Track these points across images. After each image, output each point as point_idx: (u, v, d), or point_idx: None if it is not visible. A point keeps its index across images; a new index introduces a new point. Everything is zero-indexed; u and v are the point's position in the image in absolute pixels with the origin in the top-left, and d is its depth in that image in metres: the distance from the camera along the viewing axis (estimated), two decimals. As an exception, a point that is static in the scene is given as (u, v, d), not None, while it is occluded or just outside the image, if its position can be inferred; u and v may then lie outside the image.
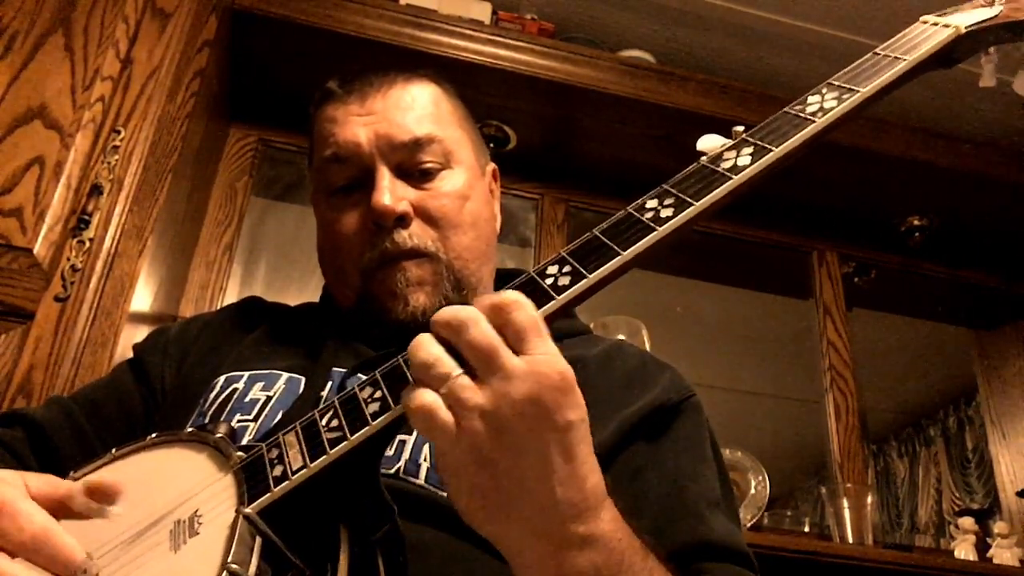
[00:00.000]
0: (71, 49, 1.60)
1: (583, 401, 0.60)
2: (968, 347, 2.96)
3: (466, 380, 0.58)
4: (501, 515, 0.61)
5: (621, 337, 2.20)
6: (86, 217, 1.48)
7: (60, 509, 0.64)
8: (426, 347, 0.60)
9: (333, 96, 1.05)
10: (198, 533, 0.63)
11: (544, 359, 0.58)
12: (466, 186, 1.03)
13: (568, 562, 0.61)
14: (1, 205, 1.45)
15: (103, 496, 0.64)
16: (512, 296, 0.60)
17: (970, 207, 2.51)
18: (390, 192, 0.97)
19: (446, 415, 0.58)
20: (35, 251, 1.44)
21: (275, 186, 2.41)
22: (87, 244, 1.47)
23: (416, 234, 0.97)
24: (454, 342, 0.59)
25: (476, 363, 0.58)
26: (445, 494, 0.80)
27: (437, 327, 0.61)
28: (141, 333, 1.53)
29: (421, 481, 0.81)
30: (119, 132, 1.56)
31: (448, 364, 0.59)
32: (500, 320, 0.59)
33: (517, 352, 0.58)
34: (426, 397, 0.58)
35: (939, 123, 2.59)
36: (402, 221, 0.97)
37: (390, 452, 0.81)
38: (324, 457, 0.63)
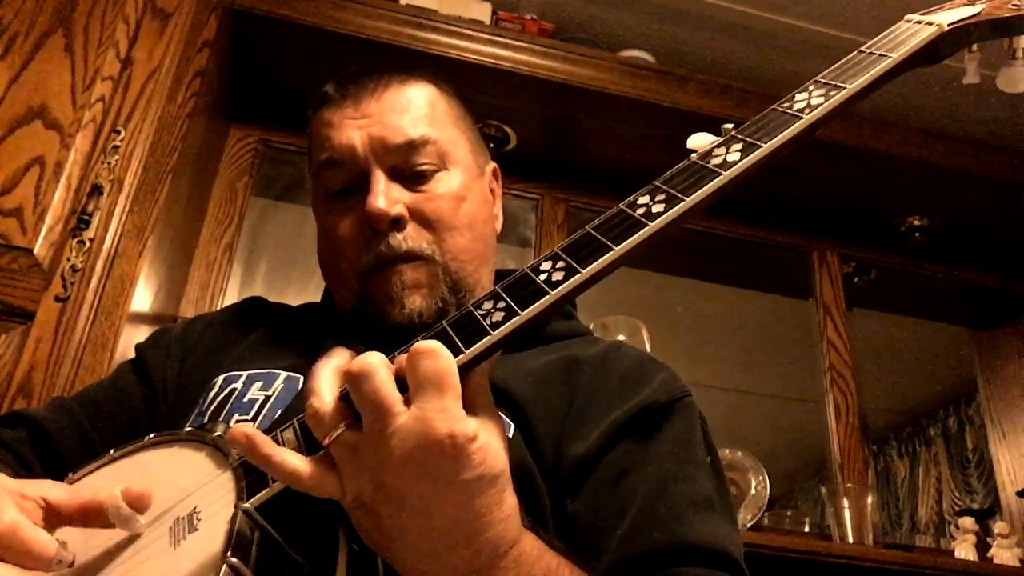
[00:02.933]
0: (71, 49, 1.60)
1: (481, 459, 0.59)
2: (968, 347, 2.96)
3: (349, 435, 0.60)
4: (394, 559, 0.63)
5: (621, 338, 2.20)
6: (86, 217, 1.48)
7: (85, 516, 0.65)
8: (319, 397, 0.62)
9: (329, 99, 1.05)
10: (197, 529, 0.63)
11: (432, 416, 0.58)
12: (462, 187, 1.02)
13: None
14: (1, 205, 1.45)
15: (138, 503, 0.65)
16: (427, 346, 0.61)
17: (970, 207, 2.51)
18: (384, 195, 0.96)
19: (330, 475, 0.61)
20: (35, 251, 1.44)
21: (275, 186, 2.41)
22: (87, 244, 1.47)
23: (411, 237, 0.97)
24: (352, 393, 0.61)
25: (365, 416, 0.60)
26: None
27: (345, 375, 0.62)
28: (141, 333, 1.53)
29: None
30: (119, 132, 1.56)
31: (333, 418, 0.61)
32: (408, 367, 0.60)
33: (411, 403, 0.59)
34: (296, 460, 0.61)
35: (939, 123, 2.59)
36: (397, 224, 0.96)
37: None
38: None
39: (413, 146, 1.00)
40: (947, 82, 2.43)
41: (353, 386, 0.60)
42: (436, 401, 0.59)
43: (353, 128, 1.00)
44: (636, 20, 2.48)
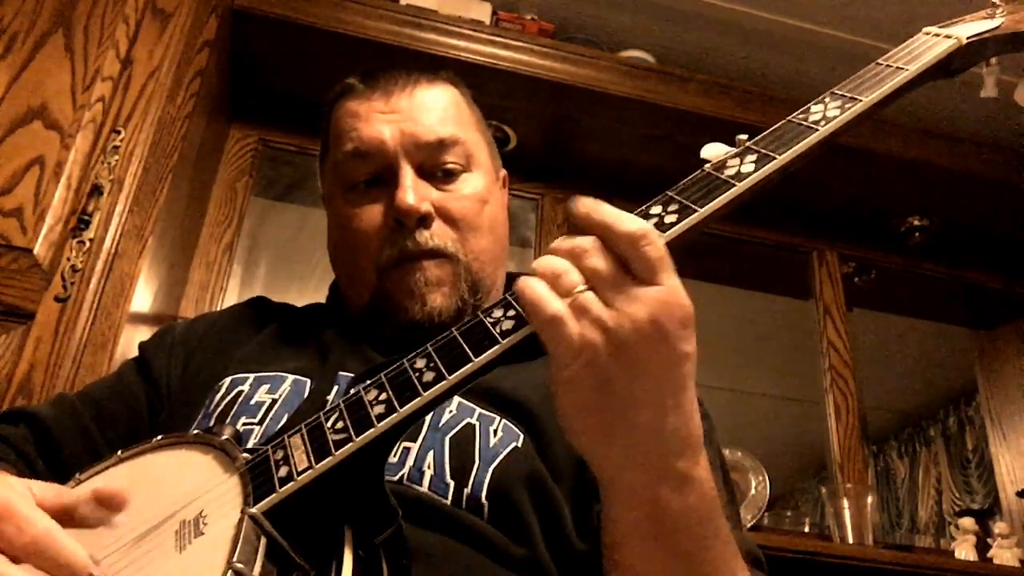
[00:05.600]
0: (71, 49, 1.60)
1: (694, 336, 0.61)
2: (968, 347, 2.96)
3: (592, 294, 0.59)
4: (607, 437, 0.61)
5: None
6: (86, 217, 1.48)
7: (66, 517, 0.64)
8: (554, 259, 0.61)
9: (355, 91, 1.05)
10: (203, 533, 0.63)
11: (671, 289, 0.59)
12: (485, 189, 1.03)
13: (664, 496, 0.61)
14: (1, 205, 1.45)
15: (109, 504, 0.64)
16: (645, 227, 0.61)
17: (970, 207, 2.51)
18: (414, 191, 0.97)
19: (572, 323, 0.59)
20: (35, 251, 1.43)
21: (275, 186, 2.41)
22: (87, 244, 1.47)
23: (437, 234, 0.97)
24: (588, 260, 0.60)
25: (600, 285, 0.59)
26: (448, 501, 0.80)
27: (560, 251, 0.62)
28: (141, 333, 1.52)
29: (424, 488, 0.80)
30: (119, 132, 1.56)
31: (576, 276, 0.60)
32: (634, 249, 0.60)
33: (644, 283, 0.59)
34: (555, 304, 0.59)
35: (939, 123, 2.59)
36: (424, 221, 0.97)
37: (394, 459, 0.81)
38: (329, 459, 0.63)
39: (443, 145, 1.01)
40: (948, 82, 2.42)
41: (580, 259, 0.60)
42: (675, 277, 0.60)
43: (383, 122, 1.01)
44: (636, 20, 2.48)
